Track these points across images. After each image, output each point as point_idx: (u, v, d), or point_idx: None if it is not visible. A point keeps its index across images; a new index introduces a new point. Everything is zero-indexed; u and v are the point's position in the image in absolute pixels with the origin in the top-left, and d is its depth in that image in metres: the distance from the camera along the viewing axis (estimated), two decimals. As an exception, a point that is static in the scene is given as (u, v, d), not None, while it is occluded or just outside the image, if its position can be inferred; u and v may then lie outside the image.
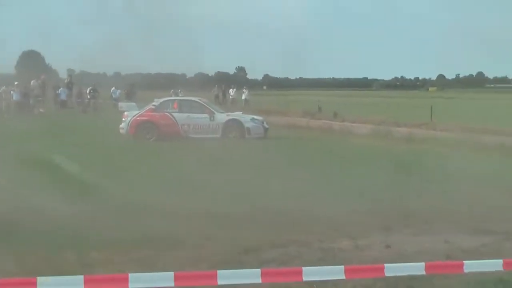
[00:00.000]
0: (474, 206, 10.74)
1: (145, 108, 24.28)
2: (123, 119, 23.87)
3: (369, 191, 12.18)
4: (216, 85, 58.56)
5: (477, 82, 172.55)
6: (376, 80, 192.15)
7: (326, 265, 7.20)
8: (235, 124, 23.50)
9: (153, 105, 24.35)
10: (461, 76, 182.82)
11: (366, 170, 15.01)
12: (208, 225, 9.28)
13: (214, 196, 11.43)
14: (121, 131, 23.56)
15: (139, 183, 12.97)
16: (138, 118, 23.63)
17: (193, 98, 26.06)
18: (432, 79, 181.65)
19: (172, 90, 55.63)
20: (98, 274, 6.91)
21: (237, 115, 24.44)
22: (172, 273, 4.39)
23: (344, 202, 11.19)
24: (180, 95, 54.10)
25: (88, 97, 43.99)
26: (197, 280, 4.42)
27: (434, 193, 11.95)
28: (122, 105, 27.80)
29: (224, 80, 74.18)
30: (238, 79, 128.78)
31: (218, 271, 4.50)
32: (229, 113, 24.76)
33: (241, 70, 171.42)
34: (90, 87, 44.69)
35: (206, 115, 23.45)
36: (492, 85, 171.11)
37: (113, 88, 46.21)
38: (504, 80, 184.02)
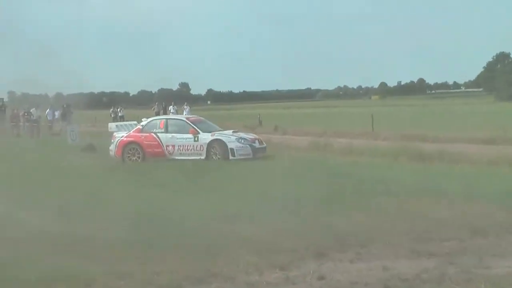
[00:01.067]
0: (414, 224, 9.96)
1: (133, 129, 23.39)
2: (112, 140, 23.07)
3: (300, 211, 11.34)
4: (157, 102, 57.80)
5: (418, 88, 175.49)
6: (319, 90, 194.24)
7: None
8: (218, 144, 21.66)
9: (141, 125, 23.37)
10: (402, 83, 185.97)
11: (299, 186, 14.18)
12: (120, 258, 8.30)
13: (130, 224, 10.43)
14: (110, 153, 22.77)
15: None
16: (125, 139, 22.70)
17: (180, 117, 25.17)
18: (374, 87, 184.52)
19: (111, 109, 54.77)
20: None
21: (223, 134, 22.26)
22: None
23: (272, 224, 10.27)
24: (120, 113, 53.25)
25: (22, 120, 42.56)
26: None
27: (371, 210, 11.19)
28: (111, 125, 26.61)
29: (167, 97, 73.49)
30: (182, 94, 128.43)
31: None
32: (216, 132, 22.52)
33: (184, 85, 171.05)
34: (24, 110, 43.20)
35: (190, 135, 21.98)
36: (433, 91, 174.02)
37: (48, 110, 44.79)
38: (444, 85, 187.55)
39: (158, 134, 22.36)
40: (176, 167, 19.16)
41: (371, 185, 13.93)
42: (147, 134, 22.45)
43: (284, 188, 13.89)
